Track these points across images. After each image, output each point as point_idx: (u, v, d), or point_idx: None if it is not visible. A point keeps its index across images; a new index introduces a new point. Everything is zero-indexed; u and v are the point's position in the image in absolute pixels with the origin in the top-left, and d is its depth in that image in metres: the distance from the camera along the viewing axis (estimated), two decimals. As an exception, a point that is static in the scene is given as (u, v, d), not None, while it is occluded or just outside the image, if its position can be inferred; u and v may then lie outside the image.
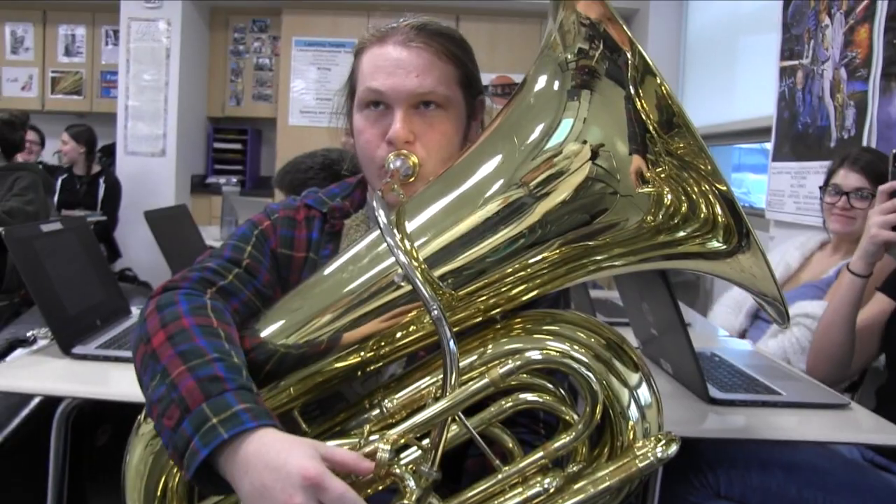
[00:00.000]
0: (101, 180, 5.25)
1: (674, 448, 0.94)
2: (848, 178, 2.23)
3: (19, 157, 4.58)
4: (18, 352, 1.87)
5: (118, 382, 1.57)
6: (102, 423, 2.11)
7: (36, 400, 1.92)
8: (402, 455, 0.95)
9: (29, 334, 1.99)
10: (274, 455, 0.84)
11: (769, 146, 3.76)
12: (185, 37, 6.02)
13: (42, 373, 1.62)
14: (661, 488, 1.46)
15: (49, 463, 1.59)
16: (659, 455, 0.93)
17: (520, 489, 0.95)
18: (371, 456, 0.89)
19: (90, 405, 1.95)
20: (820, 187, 2.38)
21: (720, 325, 2.46)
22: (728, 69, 4.69)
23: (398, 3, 5.78)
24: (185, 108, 6.14)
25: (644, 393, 0.98)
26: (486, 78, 5.72)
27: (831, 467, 1.58)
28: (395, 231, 0.94)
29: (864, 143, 2.84)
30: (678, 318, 1.53)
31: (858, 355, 1.91)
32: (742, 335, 2.41)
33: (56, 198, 5.02)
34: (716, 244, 0.88)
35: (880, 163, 2.18)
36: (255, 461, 0.85)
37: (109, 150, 6.24)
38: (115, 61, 6.21)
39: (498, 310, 1.01)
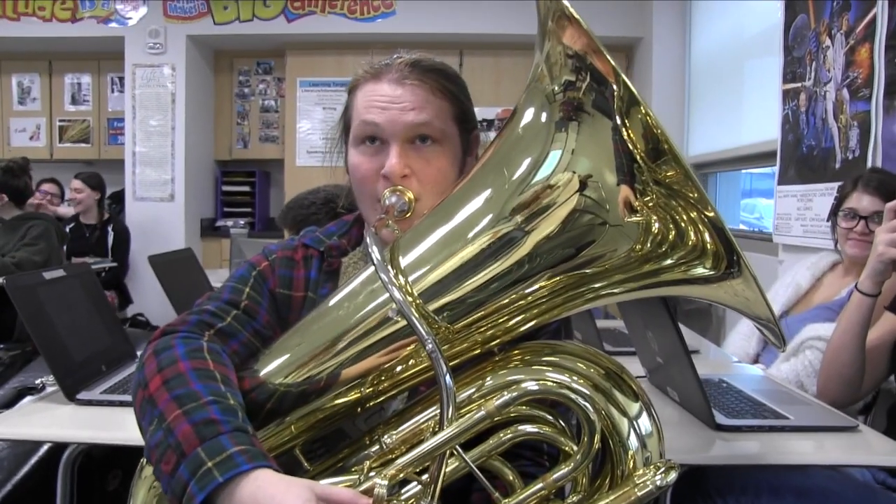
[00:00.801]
0: (110, 228, 5.28)
1: (673, 475, 0.93)
2: (862, 201, 2.21)
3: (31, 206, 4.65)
4: (26, 399, 1.88)
5: (123, 427, 1.56)
6: (113, 468, 2.11)
7: (45, 447, 1.92)
8: (404, 490, 0.95)
9: (37, 382, 2.00)
10: (269, 499, 0.84)
11: (769, 169, 3.76)
12: (189, 81, 6.09)
13: (47, 419, 1.62)
14: (669, 516, 1.45)
15: (57, 510, 1.60)
16: (658, 483, 0.92)
17: (520, 521, 0.95)
18: (369, 492, 0.89)
19: (100, 451, 1.96)
20: (832, 211, 2.36)
21: (734, 352, 2.44)
22: (733, 94, 4.72)
23: (401, 39, 5.87)
24: (192, 152, 6.19)
25: (644, 422, 0.97)
26: (491, 112, 5.80)
27: (842, 490, 1.56)
28: (390, 267, 0.95)
29: (870, 163, 2.84)
30: (681, 346, 1.52)
31: (869, 376, 1.89)
32: (755, 360, 2.39)
33: (65, 247, 5.06)
34: (702, 270, 0.88)
35: (892, 182, 2.18)
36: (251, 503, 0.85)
37: (119, 197, 6.29)
38: (122, 108, 6.30)
39: (496, 341, 1.01)
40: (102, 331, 1.97)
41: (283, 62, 6.33)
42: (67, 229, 5.19)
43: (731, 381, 1.88)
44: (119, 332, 2.09)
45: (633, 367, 1.96)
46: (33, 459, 1.92)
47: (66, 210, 5.49)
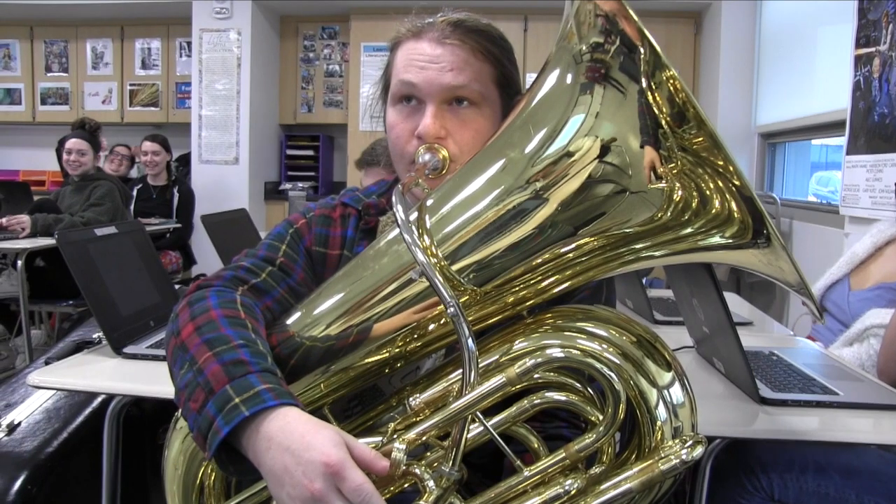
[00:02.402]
0: (175, 189, 5.38)
1: (699, 450, 0.90)
2: None
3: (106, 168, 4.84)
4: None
5: (166, 380, 1.59)
6: (164, 423, 2.16)
7: (98, 399, 1.98)
8: (429, 453, 0.94)
9: (94, 336, 2.06)
10: (298, 437, 0.84)
11: (843, 140, 3.62)
12: (255, 46, 6.15)
13: (92, 371, 1.67)
14: (709, 489, 1.42)
15: (103, 459, 1.64)
16: (683, 457, 0.89)
17: (541, 489, 0.93)
18: (388, 455, 0.88)
19: (151, 405, 2.01)
20: None
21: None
22: (805, 62, 4.55)
23: (465, 3, 5.78)
24: (257, 116, 6.26)
25: (676, 392, 0.94)
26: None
27: (895, 473, 1.51)
28: (415, 227, 0.94)
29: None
30: (726, 315, 1.48)
31: None
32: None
33: (132, 207, 5.18)
34: (726, 239, 0.85)
35: None
36: (278, 439, 0.85)
37: (186, 160, 6.41)
38: (189, 72, 6.41)
39: (530, 302, 0.99)
40: (152, 288, 2.01)
41: (347, 27, 6.34)
42: (135, 190, 5.32)
43: (782, 355, 1.82)
44: (169, 289, 2.12)
45: (683, 337, 1.93)
46: (87, 410, 1.97)
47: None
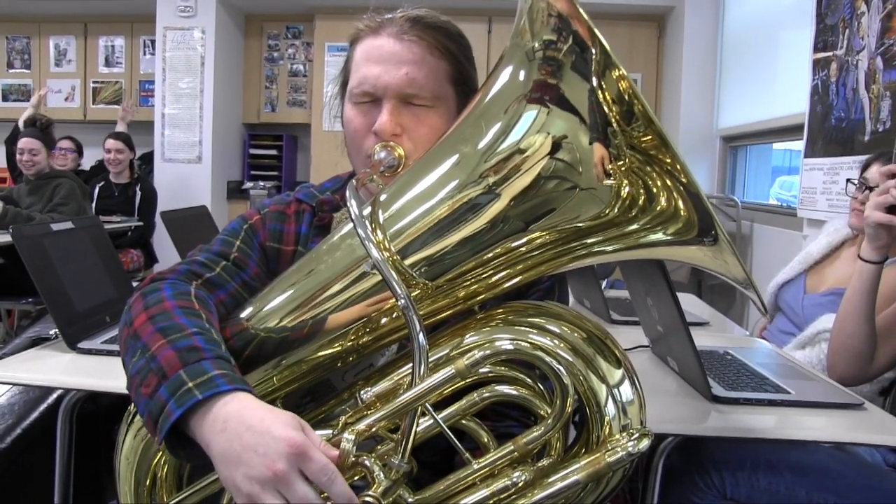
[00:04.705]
0: (138, 188, 5.32)
1: (645, 442, 0.91)
2: (874, 171, 2.14)
3: (56, 165, 4.75)
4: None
5: (121, 375, 1.58)
6: (120, 419, 2.14)
7: (53, 396, 1.95)
8: (379, 446, 0.94)
9: (51, 332, 2.03)
10: (257, 420, 0.84)
11: (801, 144, 3.68)
12: (219, 44, 6.12)
13: (46, 366, 1.66)
14: (661, 487, 1.44)
15: (56, 455, 1.62)
16: (630, 449, 0.90)
17: (489, 481, 0.94)
18: (338, 446, 0.88)
19: (108, 402, 1.98)
20: (849, 180, 2.30)
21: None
22: (766, 66, 4.62)
23: (429, 3, 5.75)
24: (221, 114, 6.23)
25: (625, 389, 0.95)
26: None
27: (843, 470, 1.53)
28: (368, 222, 0.94)
29: (901, 136, 2.75)
30: (678, 314, 1.50)
31: (882, 352, 1.83)
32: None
33: (94, 205, 5.11)
34: (671, 236, 0.86)
35: None
36: (235, 421, 0.85)
37: (148, 158, 6.34)
38: (153, 70, 6.35)
39: (481, 297, 1.00)
40: (109, 283, 1.99)
41: (311, 27, 6.34)
42: (97, 188, 5.25)
43: (737, 355, 1.85)
44: (126, 285, 2.11)
45: (640, 337, 1.95)
46: (42, 407, 1.95)
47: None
